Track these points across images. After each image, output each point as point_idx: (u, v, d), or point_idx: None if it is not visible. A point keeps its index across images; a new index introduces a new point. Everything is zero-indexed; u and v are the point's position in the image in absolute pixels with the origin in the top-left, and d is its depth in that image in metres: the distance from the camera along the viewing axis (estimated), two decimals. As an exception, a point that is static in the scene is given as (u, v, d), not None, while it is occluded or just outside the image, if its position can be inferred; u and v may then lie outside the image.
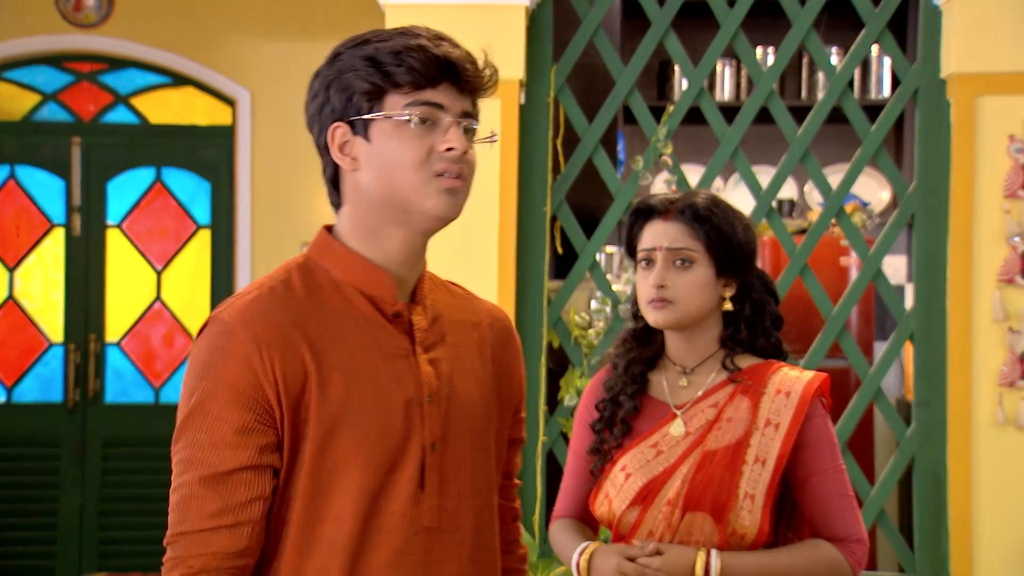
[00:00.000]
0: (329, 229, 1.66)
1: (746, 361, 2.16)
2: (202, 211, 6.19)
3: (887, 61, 5.74)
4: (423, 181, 1.55)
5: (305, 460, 1.53)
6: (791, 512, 2.13)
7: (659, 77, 6.03)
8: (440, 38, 1.61)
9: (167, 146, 6.14)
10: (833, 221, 3.77)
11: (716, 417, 2.08)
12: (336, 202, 1.65)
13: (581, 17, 3.79)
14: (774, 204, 3.52)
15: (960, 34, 3.56)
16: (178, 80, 6.15)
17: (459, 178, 1.57)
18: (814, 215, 5.14)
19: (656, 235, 2.13)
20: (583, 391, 2.34)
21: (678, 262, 2.10)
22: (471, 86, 1.61)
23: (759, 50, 5.74)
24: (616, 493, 2.09)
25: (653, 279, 2.11)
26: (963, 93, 3.58)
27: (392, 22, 3.65)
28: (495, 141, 1.66)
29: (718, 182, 5.92)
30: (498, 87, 3.94)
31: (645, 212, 2.17)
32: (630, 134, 5.71)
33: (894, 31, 3.80)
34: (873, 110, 4.47)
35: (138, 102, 6.18)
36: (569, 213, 3.80)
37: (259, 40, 6.08)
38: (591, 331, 3.84)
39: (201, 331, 1.58)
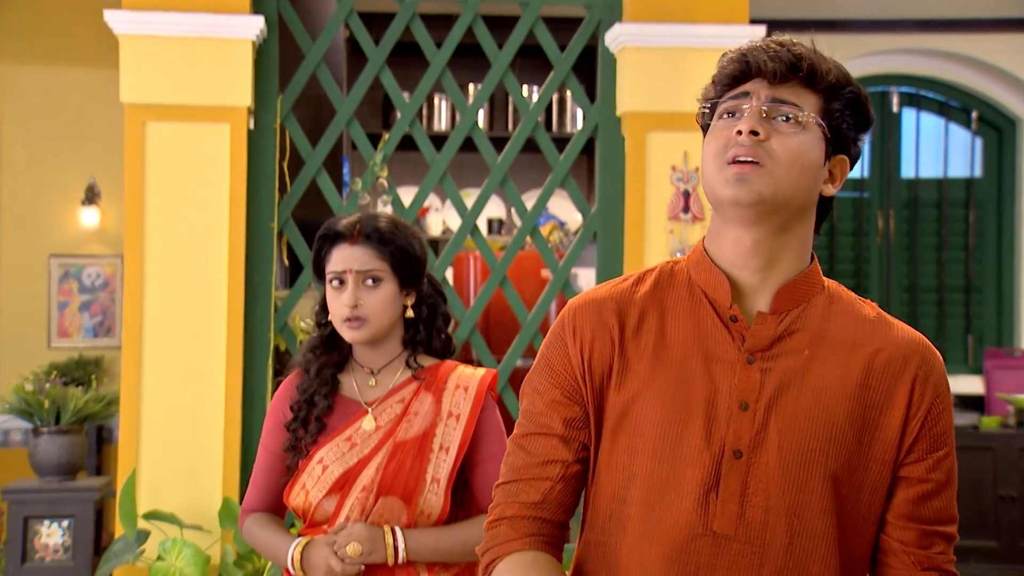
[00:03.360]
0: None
1: (427, 360, 2.34)
2: (-52, 226, 6.09)
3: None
4: (718, 170, 1.50)
5: (605, 440, 1.56)
6: (461, 493, 2.31)
7: (383, 108, 6.17)
8: (770, 39, 1.55)
9: (-88, 162, 6.02)
10: (529, 238, 4.13)
11: (404, 411, 2.24)
12: None
13: (304, 52, 4.02)
14: (484, 222, 3.84)
15: (631, 78, 3.95)
16: (-76, 99, 6.04)
17: (753, 163, 1.48)
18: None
19: (345, 258, 2.24)
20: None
21: (368, 281, 2.24)
22: (776, 73, 1.51)
23: (472, 87, 6.10)
24: (313, 484, 2.22)
25: (346, 299, 2.22)
26: (635, 129, 3.97)
27: (126, 52, 3.78)
28: (805, 123, 1.51)
29: (436, 202, 6.25)
30: (230, 113, 4.04)
31: (332, 237, 2.26)
32: (355, 158, 5.93)
33: (589, 73, 4.17)
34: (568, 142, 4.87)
35: None
36: (295, 229, 4.00)
37: (7, 64, 6.03)
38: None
39: None
